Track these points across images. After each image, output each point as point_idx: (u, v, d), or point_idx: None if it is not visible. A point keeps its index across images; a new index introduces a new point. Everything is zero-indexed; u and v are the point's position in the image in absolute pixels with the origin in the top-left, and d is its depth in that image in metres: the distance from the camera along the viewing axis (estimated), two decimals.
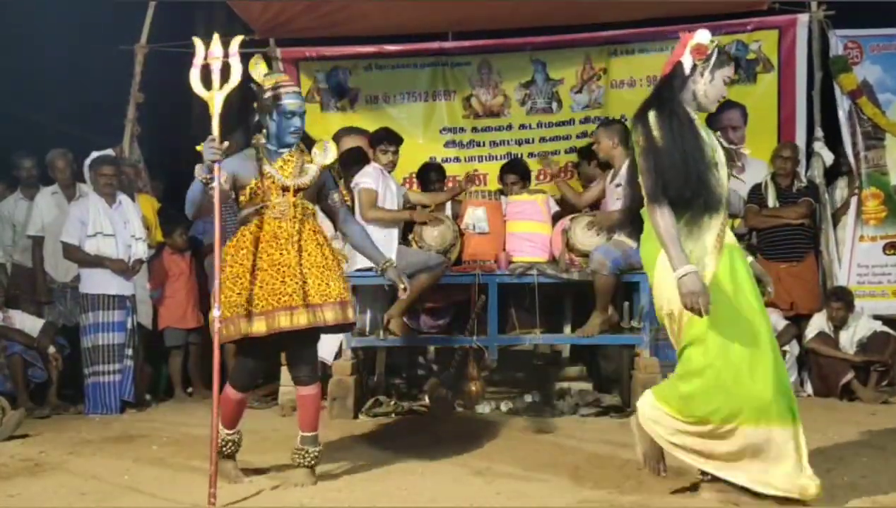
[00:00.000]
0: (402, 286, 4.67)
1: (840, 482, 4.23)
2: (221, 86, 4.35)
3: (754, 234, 7.69)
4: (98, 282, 6.86)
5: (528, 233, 6.42)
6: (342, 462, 4.91)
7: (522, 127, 8.39)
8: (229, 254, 4.42)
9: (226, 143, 4.25)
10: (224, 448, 4.52)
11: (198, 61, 4.37)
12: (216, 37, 4.43)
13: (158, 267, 7.68)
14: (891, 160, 7.76)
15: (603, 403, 6.56)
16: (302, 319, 4.31)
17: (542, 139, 8.35)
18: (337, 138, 8.24)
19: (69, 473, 4.77)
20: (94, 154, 7.15)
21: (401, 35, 8.36)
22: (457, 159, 8.32)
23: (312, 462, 4.49)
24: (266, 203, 4.43)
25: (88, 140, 7.65)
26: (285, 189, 4.44)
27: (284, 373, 6.91)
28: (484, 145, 8.42)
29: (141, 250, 7.07)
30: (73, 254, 6.92)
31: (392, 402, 6.51)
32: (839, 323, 7.14)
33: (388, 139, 6.62)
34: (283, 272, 4.34)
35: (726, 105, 8.02)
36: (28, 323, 7.01)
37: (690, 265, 3.76)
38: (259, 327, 4.30)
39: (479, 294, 6.36)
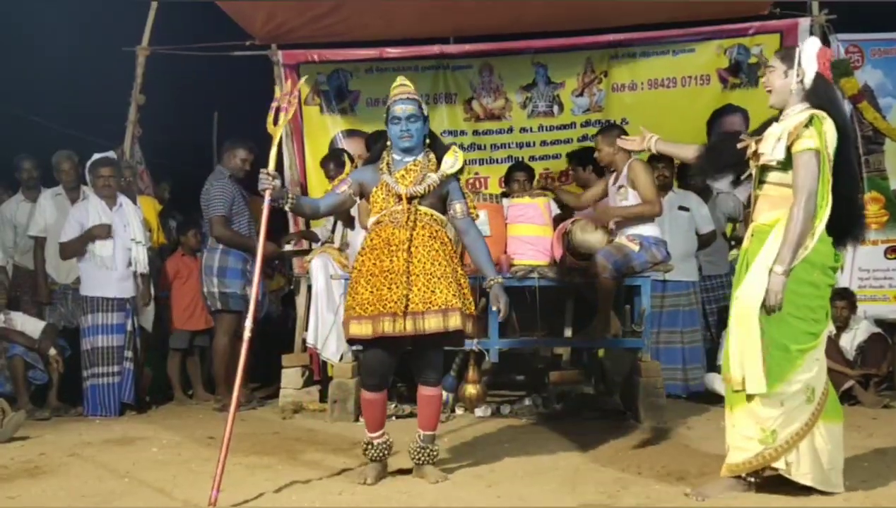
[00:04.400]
0: (495, 307, 4.64)
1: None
2: (283, 121, 4.60)
3: None
4: (98, 285, 6.84)
5: (529, 236, 6.41)
6: (342, 465, 4.90)
7: (523, 130, 8.41)
8: (357, 260, 4.62)
9: (277, 177, 4.41)
10: (365, 452, 4.62)
11: (274, 105, 4.62)
12: (289, 80, 4.72)
13: (170, 267, 7.68)
14: (891, 164, 7.78)
15: (603, 406, 6.56)
16: (403, 326, 4.41)
17: (544, 142, 8.36)
18: (338, 140, 8.28)
19: (69, 475, 4.76)
20: (96, 155, 7.14)
21: (402, 38, 8.36)
22: None
23: (435, 458, 4.64)
24: (384, 211, 4.55)
25: (91, 142, 7.66)
26: (400, 197, 4.53)
27: (286, 376, 6.93)
28: (485, 148, 8.43)
29: (142, 257, 7.01)
30: (66, 249, 6.88)
31: (393, 405, 6.49)
32: (842, 324, 7.14)
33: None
34: (391, 278, 4.45)
35: (727, 109, 8.10)
36: (29, 324, 7.00)
37: None
38: (364, 330, 4.44)
39: (479, 296, 6.36)
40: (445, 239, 4.61)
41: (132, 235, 6.98)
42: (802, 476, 4.08)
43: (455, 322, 4.43)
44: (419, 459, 4.61)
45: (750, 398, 4.09)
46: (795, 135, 4.06)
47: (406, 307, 4.41)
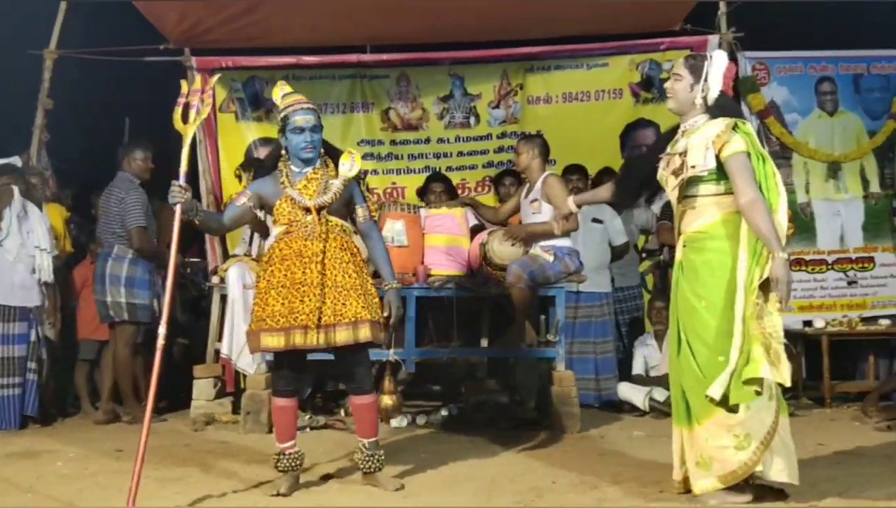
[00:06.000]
0: (386, 312, 4.62)
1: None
2: (195, 119, 4.52)
3: (665, 250, 7.83)
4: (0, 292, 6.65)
5: (446, 247, 6.43)
6: (255, 478, 4.83)
7: (440, 141, 8.43)
8: (260, 271, 4.61)
9: (188, 190, 4.35)
10: (277, 463, 4.58)
11: (182, 100, 4.55)
12: (199, 76, 4.62)
13: (78, 276, 7.48)
14: (797, 179, 8.01)
15: (518, 416, 6.60)
16: (316, 339, 4.42)
17: (460, 153, 8.40)
18: (253, 149, 8.17)
19: None
20: None
21: (319, 46, 8.32)
22: (375, 172, 8.30)
23: (382, 465, 4.63)
24: (293, 222, 4.51)
25: None
26: (307, 209, 4.49)
27: (197, 387, 6.80)
28: (402, 158, 8.43)
29: (46, 265, 6.82)
30: None
31: (308, 416, 6.45)
32: None
33: None
34: (304, 291, 4.44)
35: (640, 123, 8.25)
36: None
37: None
38: (277, 342, 4.43)
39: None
40: (354, 248, 4.63)
41: (36, 242, 6.79)
42: (778, 473, 4.02)
43: (365, 333, 4.48)
44: (369, 467, 4.60)
45: (717, 408, 4.00)
46: (722, 142, 4.10)
47: (319, 320, 4.42)
